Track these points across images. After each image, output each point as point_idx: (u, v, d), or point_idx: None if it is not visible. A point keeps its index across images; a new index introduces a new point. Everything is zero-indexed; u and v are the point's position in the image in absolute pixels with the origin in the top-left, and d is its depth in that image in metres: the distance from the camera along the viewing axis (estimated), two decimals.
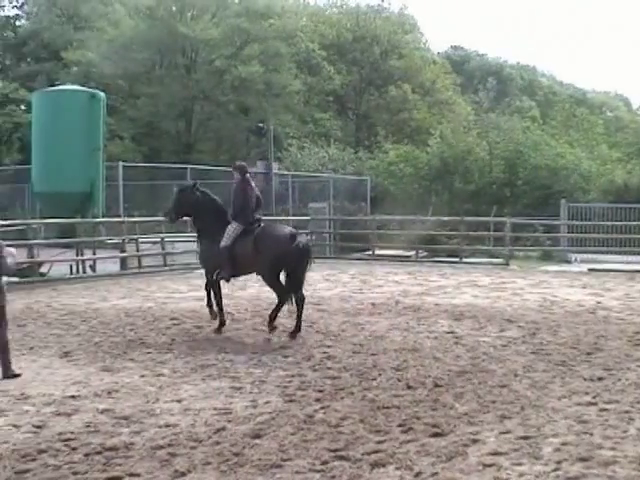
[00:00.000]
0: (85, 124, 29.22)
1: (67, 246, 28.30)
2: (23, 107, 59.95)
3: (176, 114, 59.05)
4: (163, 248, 30.29)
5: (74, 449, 8.39)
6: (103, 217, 30.48)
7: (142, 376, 11.87)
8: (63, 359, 13.28)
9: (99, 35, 59.68)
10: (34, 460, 8.03)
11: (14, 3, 74.81)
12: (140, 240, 29.41)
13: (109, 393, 10.79)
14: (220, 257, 15.72)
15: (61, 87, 36.21)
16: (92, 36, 60.56)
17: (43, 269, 27.05)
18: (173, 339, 15.15)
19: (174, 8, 59.87)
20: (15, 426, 9.20)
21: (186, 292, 22.97)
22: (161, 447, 8.46)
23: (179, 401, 10.39)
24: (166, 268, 29.46)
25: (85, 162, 28.84)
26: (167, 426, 9.25)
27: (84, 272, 27.53)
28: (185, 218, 17.73)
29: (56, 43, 65.77)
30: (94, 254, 28.35)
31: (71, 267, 27.93)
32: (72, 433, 8.94)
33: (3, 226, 28.10)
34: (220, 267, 15.89)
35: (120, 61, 58.49)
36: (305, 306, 15.37)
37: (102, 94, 31.25)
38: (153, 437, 8.82)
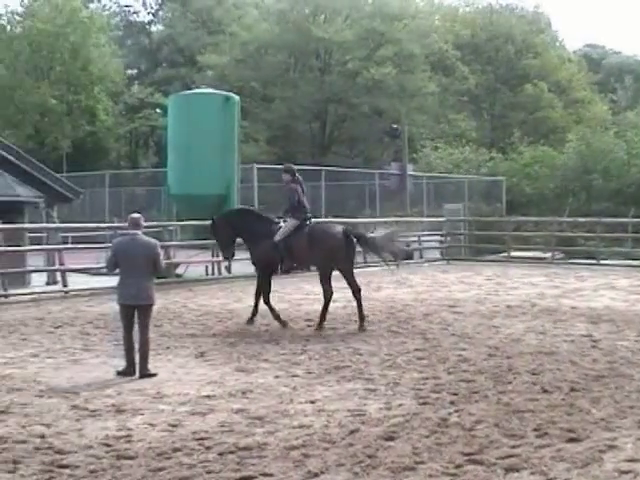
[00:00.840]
0: (220, 127, 29.54)
1: (203, 247, 28.70)
2: (159, 111, 61.23)
3: (310, 116, 59.39)
4: None
5: (208, 448, 8.44)
6: None
7: (276, 377, 11.91)
8: (199, 359, 13.43)
9: (233, 39, 60.49)
10: (169, 458, 8.11)
11: (149, 9, 76.47)
12: None
13: (243, 393, 10.84)
14: (275, 251, 16.88)
15: (196, 91, 36.68)
16: (226, 40, 61.42)
17: (179, 270, 27.50)
18: (307, 340, 15.18)
19: (307, 11, 60.25)
20: (151, 425, 9.32)
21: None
22: (294, 448, 8.44)
23: (313, 402, 10.37)
24: None
25: (220, 164, 29.15)
26: (301, 427, 9.23)
27: (219, 273, 27.87)
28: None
29: (190, 47, 66.97)
30: None
31: (207, 268, 28.33)
32: (206, 432, 9.00)
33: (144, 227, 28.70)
34: (274, 262, 17.05)
35: (254, 64, 59.18)
36: (440, 308, 15.25)
37: (236, 97, 31.56)
38: (287, 437, 8.81)
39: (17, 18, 60.72)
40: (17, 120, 58.98)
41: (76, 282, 24.47)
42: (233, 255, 18.26)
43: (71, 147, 59.67)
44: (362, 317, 16.62)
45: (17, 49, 57.82)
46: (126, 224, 13.04)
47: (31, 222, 27.81)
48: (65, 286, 24.03)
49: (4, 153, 27.48)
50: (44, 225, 28.18)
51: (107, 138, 64.62)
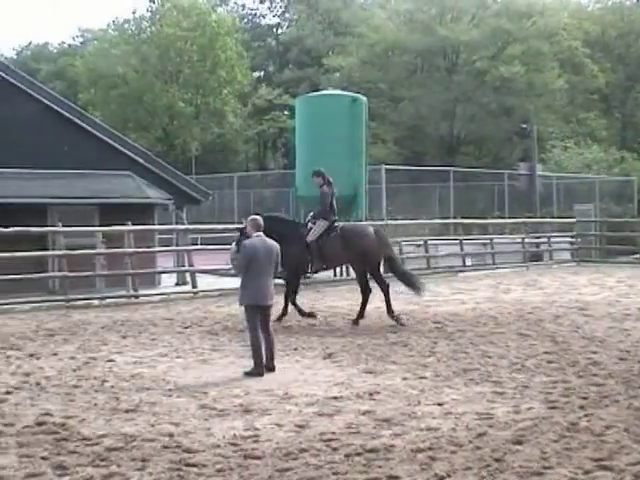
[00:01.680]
0: (347, 128, 29.58)
1: None
2: (287, 112, 61.67)
3: (438, 117, 59.04)
4: (426, 251, 30.27)
5: (335, 449, 8.40)
6: (366, 220, 30.77)
7: (404, 379, 11.80)
8: (326, 360, 13.41)
9: (360, 40, 60.59)
10: (295, 459, 8.09)
11: (275, 12, 77.11)
12: (403, 243, 29.47)
13: (371, 395, 10.77)
14: (307, 252, 17.62)
15: (323, 92, 36.83)
16: (353, 41, 61.58)
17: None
18: (435, 342, 15.02)
19: (434, 11, 59.98)
20: (278, 425, 9.33)
21: (449, 295, 22.84)
22: (422, 450, 8.33)
23: (440, 404, 10.24)
24: (429, 271, 29.40)
25: (348, 166, 29.16)
26: (428, 429, 9.12)
27: (347, 275, 27.84)
28: None
29: (318, 49, 67.32)
30: None
31: (334, 269, 28.34)
32: (333, 434, 8.96)
33: None
34: (304, 263, 17.74)
35: (381, 65, 59.18)
36: (569, 310, 14.95)
37: (364, 98, 31.55)
38: (414, 440, 8.70)
39: (145, 23, 61.92)
40: (147, 123, 60.25)
41: (205, 283, 24.80)
42: None
43: (200, 149, 60.61)
44: (391, 310, 17.61)
45: (146, 53, 59.01)
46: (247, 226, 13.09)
47: (161, 224, 28.33)
48: (194, 287, 24.36)
49: (134, 156, 28.04)
50: (174, 226, 28.67)
51: (235, 140, 65.45)
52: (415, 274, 19.32)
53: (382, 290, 17.91)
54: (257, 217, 12.96)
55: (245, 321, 12.75)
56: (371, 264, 18.04)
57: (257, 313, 12.47)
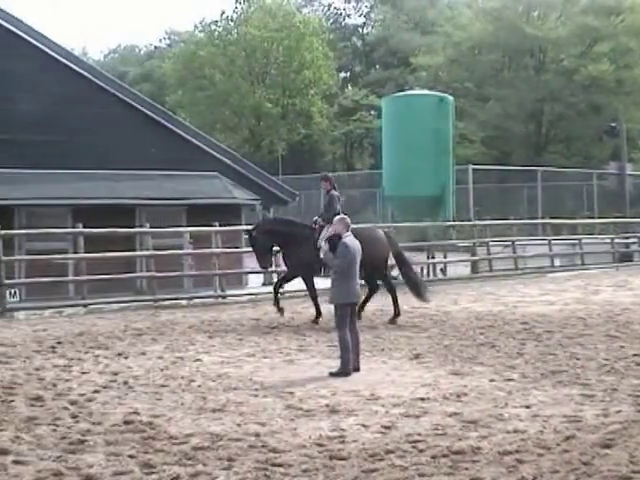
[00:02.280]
0: (434, 128, 29.45)
1: (418, 249, 28.63)
2: (373, 113, 61.59)
3: (525, 116, 58.39)
4: (514, 251, 29.97)
5: (421, 451, 8.32)
6: (453, 220, 30.60)
7: (491, 380, 11.68)
8: (413, 361, 13.34)
9: (446, 39, 60.21)
10: (381, 460, 8.03)
11: (361, 11, 77.06)
12: (491, 243, 29.24)
13: (458, 396, 10.67)
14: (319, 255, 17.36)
15: (410, 92, 36.75)
16: (439, 40, 61.20)
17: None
18: (523, 343, 14.85)
19: (520, 8, 59.30)
20: (364, 426, 9.28)
21: (537, 296, 22.57)
22: (508, 453, 8.21)
23: (528, 407, 10.09)
24: (517, 271, 29.14)
25: (435, 166, 29.05)
26: (515, 432, 8.99)
27: (434, 275, 27.74)
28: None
29: (403, 49, 67.11)
30: (445, 257, 28.51)
31: (422, 270, 28.21)
32: (420, 435, 8.89)
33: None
34: (315, 265, 17.61)
35: (468, 64, 58.77)
36: None
37: (450, 98, 31.40)
38: (500, 442, 8.59)
39: (231, 24, 62.34)
40: (234, 124, 60.68)
41: (292, 283, 24.82)
42: (271, 265, 19.65)
43: (286, 150, 60.86)
44: (398, 312, 18.08)
45: (232, 54, 59.43)
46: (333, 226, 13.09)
47: (248, 224, 28.44)
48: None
49: (221, 157, 28.25)
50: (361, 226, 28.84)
51: (322, 140, 65.57)
52: (423, 281, 19.81)
53: (389, 291, 18.50)
54: (346, 217, 13.01)
55: (335, 320, 12.73)
56: (381, 267, 18.49)
57: (348, 312, 12.52)
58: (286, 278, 19.29)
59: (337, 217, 13.22)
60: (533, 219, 38.59)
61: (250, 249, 22.30)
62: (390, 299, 18.28)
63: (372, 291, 18.62)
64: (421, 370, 12.55)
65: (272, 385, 11.46)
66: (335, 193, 18.58)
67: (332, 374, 12.11)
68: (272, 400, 10.54)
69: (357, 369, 12.36)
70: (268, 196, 28.86)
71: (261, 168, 31.19)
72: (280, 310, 18.39)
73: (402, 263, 19.00)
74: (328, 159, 71.03)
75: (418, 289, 18.72)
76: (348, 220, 12.92)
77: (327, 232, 17.36)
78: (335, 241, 12.62)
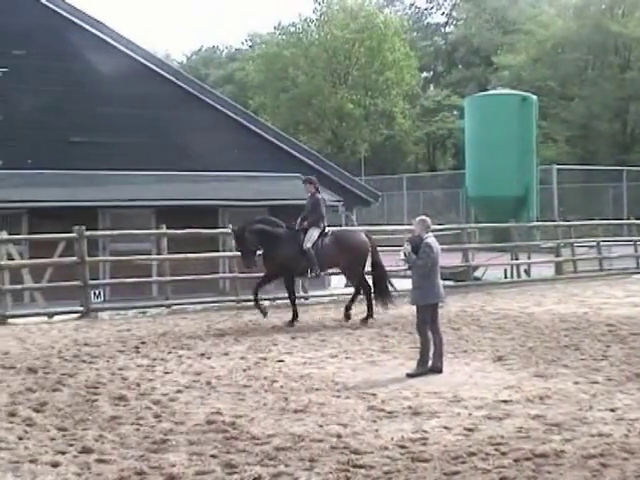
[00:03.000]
0: (517, 128, 29.25)
1: (501, 250, 28.39)
2: (455, 113, 61.26)
3: (610, 115, 57.57)
4: (599, 252, 29.53)
5: (504, 454, 8.23)
6: (537, 221, 30.28)
7: (575, 383, 11.51)
8: (496, 363, 13.20)
9: (528, 38, 59.63)
10: (464, 463, 7.97)
11: (443, 10, 76.67)
12: (575, 244, 28.85)
13: (541, 399, 10.54)
14: (304, 257, 18.01)
15: (492, 91, 36.47)
16: (521, 39, 60.61)
17: (478, 273, 27.30)
18: (608, 346, 14.60)
19: (603, 6, 58.45)
20: (446, 428, 9.21)
21: (622, 298, 22.20)
22: (592, 457, 8.08)
23: (613, 410, 9.92)
24: (602, 273, 28.70)
25: (518, 166, 28.80)
26: (599, 435, 8.85)
27: (518, 276, 27.45)
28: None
29: (486, 48, 66.62)
30: (529, 258, 28.20)
31: (505, 271, 27.98)
32: (502, 437, 8.79)
33: (438, 230, 28.79)
34: (299, 266, 18.09)
35: (551, 63, 58.12)
36: None
37: (533, 97, 31.10)
38: (584, 446, 8.45)
39: (312, 25, 62.50)
40: (316, 125, 60.82)
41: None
42: (255, 265, 18.60)
43: (369, 151, 60.79)
44: (372, 314, 18.25)
45: (314, 56, 59.55)
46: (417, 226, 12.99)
47: (331, 225, 28.46)
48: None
49: (304, 158, 28.34)
50: (343, 228, 28.75)
51: (404, 141, 65.38)
52: (391, 291, 18.81)
53: (365, 293, 18.62)
54: (426, 218, 12.90)
55: (417, 321, 12.67)
56: (361, 269, 18.64)
57: (430, 313, 12.54)
58: (267, 280, 18.80)
59: (417, 218, 13.07)
60: (618, 219, 37.99)
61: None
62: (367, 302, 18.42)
63: (368, 292, 18.59)
64: (504, 372, 12.41)
65: (354, 386, 11.44)
66: (320, 196, 18.70)
67: (410, 375, 12.07)
68: (354, 401, 10.52)
69: (440, 370, 12.30)
70: (350, 197, 28.87)
71: (344, 169, 31.23)
72: (263, 312, 18.35)
73: (379, 267, 18.77)
74: (410, 160, 70.85)
75: (385, 296, 18.45)
76: (429, 221, 12.84)
77: (311, 236, 18.16)
78: (417, 242, 12.56)
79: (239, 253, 18.84)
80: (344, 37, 57.94)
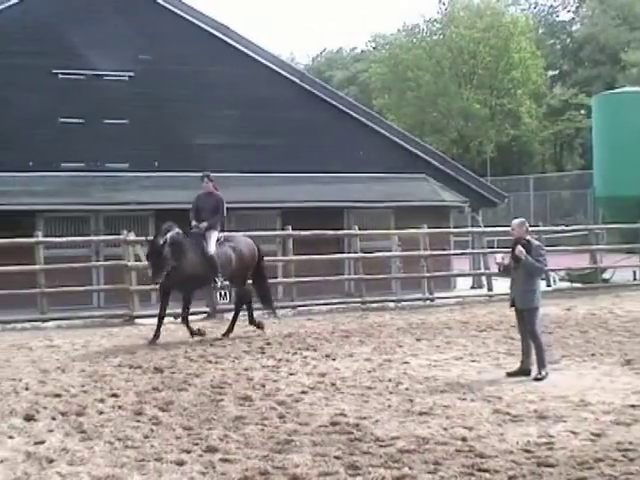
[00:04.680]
0: None
1: (630, 251, 27.78)
2: (583, 112, 60.18)
3: None
4: None
5: (632, 460, 8.03)
6: None
7: None
8: (624, 367, 12.92)
9: None
10: (590, 468, 7.80)
11: (568, 8, 75.36)
12: None
13: None
14: (209, 264, 16.35)
15: (621, 90, 35.70)
16: None
17: (606, 275, 26.76)
18: None
19: None
20: (573, 433, 9.05)
21: None
22: None
23: None
24: None
25: None
26: None
27: None
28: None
29: (612, 45, 65.24)
30: None
31: (634, 273, 27.38)
32: (631, 444, 8.58)
33: (566, 231, 28.35)
34: (205, 277, 16.44)
35: None
36: None
37: None
38: None
39: (437, 25, 62.20)
40: (441, 126, 60.52)
41: (501, 286, 24.55)
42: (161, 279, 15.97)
43: (495, 151, 60.20)
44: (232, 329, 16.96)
45: (439, 56, 59.25)
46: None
47: (456, 226, 28.33)
48: (490, 290, 24.18)
49: (429, 159, 28.24)
50: (469, 229, 28.61)
51: (531, 141, 64.54)
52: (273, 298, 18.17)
53: (246, 302, 17.35)
54: (525, 220, 12.75)
55: (529, 324, 12.49)
56: (246, 274, 17.34)
57: (537, 315, 12.54)
58: (167, 297, 16.54)
59: (517, 221, 12.82)
60: None
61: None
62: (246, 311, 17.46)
63: (245, 302, 17.38)
64: (633, 376, 12.15)
65: (479, 389, 11.34)
66: (220, 195, 17.22)
67: (537, 379, 11.92)
68: (479, 404, 10.44)
69: (528, 373, 12.19)
70: (476, 198, 28.64)
71: (469, 170, 31.00)
72: (196, 334, 16.41)
73: (262, 276, 17.65)
74: (537, 160, 69.90)
75: (270, 302, 17.86)
76: (527, 223, 12.74)
77: (212, 240, 16.45)
78: (527, 245, 12.38)
79: (151, 267, 15.92)
80: (470, 36, 57.51)
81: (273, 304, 18.14)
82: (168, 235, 15.84)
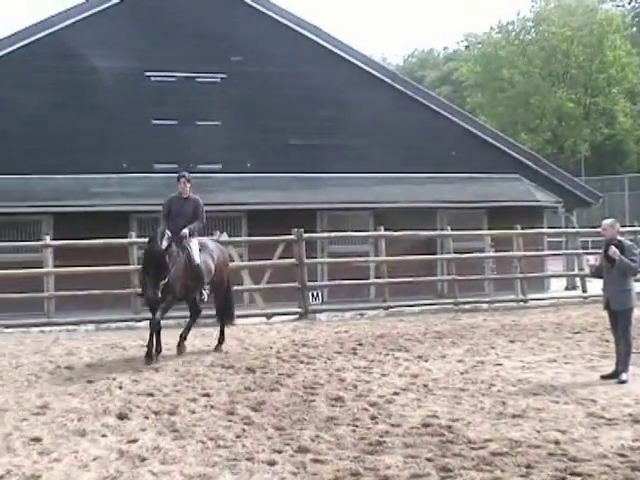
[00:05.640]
0: None
1: None
2: None
3: None
4: None
5: None
6: None
7: None
8: None
9: None
10: None
11: None
12: None
13: None
14: (195, 274, 14.59)
15: None
16: None
17: None
18: None
19: None
20: None
21: None
22: None
23: None
24: None
25: None
26: None
27: None
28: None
29: None
30: None
31: None
32: None
33: None
34: (189, 288, 14.69)
35: None
36: None
37: None
38: None
39: (529, 24, 61.47)
40: (534, 125, 59.74)
41: (596, 287, 24.18)
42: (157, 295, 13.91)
43: (589, 151, 59.31)
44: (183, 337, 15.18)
45: (531, 55, 58.54)
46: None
47: (550, 227, 28.02)
48: (584, 291, 23.84)
49: (522, 159, 27.97)
50: (563, 230, 28.26)
51: (626, 140, 63.40)
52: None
53: (194, 314, 15.67)
54: (616, 221, 12.56)
55: (623, 325, 12.31)
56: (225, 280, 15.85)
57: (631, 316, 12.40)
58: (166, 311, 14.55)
59: (608, 221, 12.60)
60: None
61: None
62: None
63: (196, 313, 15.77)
64: None
65: (573, 392, 11.19)
66: (198, 198, 15.33)
67: (622, 381, 11.82)
68: (573, 407, 10.30)
69: (615, 376, 12.02)
70: (570, 198, 28.29)
71: (564, 170, 30.63)
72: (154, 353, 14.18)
73: (228, 287, 16.04)
74: (632, 159, 68.59)
75: (231, 310, 16.13)
76: (618, 224, 12.52)
77: (194, 248, 14.67)
78: (619, 246, 12.18)
79: (151, 277, 13.76)
80: (563, 35, 56.71)
81: (232, 311, 16.23)
82: (165, 240, 13.92)
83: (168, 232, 14.19)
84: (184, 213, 14.82)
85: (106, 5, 25.20)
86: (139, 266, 15.60)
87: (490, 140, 28.21)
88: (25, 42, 24.47)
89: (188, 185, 15.13)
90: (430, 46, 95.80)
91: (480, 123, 31.12)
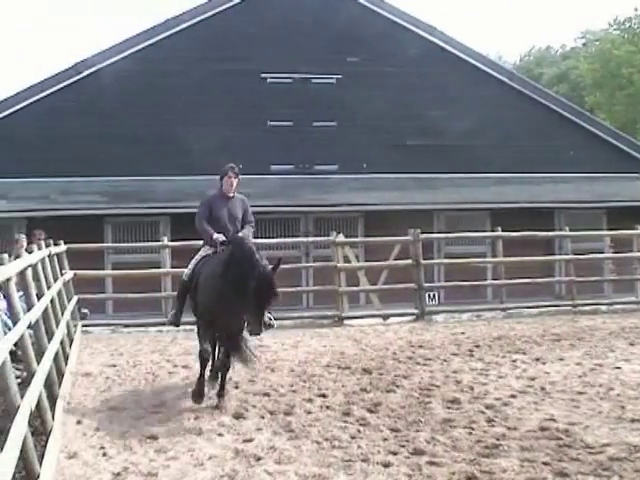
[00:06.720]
0: None
1: None
2: None
3: None
4: None
5: None
6: None
7: None
8: None
9: None
10: None
11: None
12: None
13: None
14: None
15: None
16: None
17: None
18: None
19: None
20: None
21: None
22: None
23: None
24: None
25: None
26: None
27: None
28: None
29: None
30: None
31: None
32: None
33: None
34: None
35: None
36: None
37: None
38: None
39: None
40: None
41: None
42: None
43: None
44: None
45: None
46: None
47: None
48: None
49: None
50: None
51: None
52: None
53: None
54: None
55: None
56: None
57: None
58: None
59: None
60: None
61: None
62: None
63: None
64: None
65: None
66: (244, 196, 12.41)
67: None
68: None
69: None
70: None
71: None
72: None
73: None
74: None
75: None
76: None
77: None
78: None
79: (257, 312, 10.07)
80: None
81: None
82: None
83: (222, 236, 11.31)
84: (232, 216, 11.76)
85: (226, 6, 25.56)
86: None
87: (609, 139, 27.74)
88: (150, 42, 25.01)
89: (236, 181, 12.08)
90: (547, 44, 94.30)
91: (599, 122, 30.63)
